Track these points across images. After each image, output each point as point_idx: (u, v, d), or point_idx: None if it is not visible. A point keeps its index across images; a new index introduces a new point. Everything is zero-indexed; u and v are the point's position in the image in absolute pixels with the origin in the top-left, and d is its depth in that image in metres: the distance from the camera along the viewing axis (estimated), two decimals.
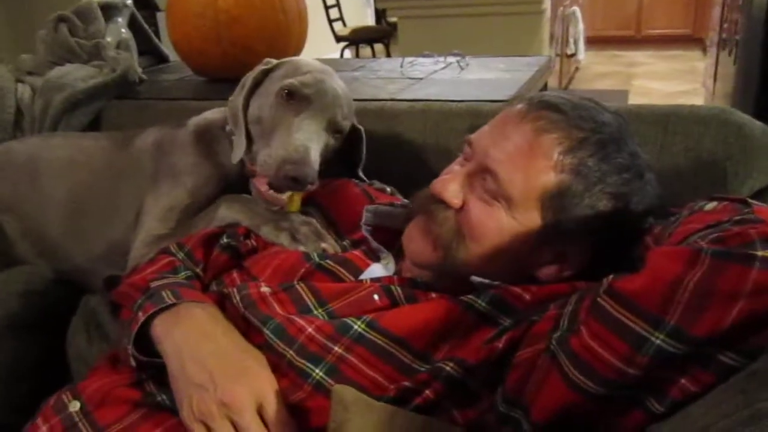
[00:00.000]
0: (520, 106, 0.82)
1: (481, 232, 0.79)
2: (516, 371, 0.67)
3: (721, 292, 0.54)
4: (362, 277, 0.86)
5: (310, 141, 0.96)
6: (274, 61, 1.09)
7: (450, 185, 0.81)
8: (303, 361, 0.72)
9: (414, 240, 0.84)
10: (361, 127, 1.12)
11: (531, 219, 0.77)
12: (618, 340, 0.58)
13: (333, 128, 1.02)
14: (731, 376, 0.56)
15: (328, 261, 0.89)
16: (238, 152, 1.04)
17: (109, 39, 1.68)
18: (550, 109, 0.79)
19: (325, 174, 1.02)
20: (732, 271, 0.54)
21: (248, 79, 1.08)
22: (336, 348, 0.72)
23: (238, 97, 1.08)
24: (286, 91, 1.00)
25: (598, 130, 0.78)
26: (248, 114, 1.06)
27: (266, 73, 1.07)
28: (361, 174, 1.13)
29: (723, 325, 0.54)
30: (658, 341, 0.56)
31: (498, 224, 0.78)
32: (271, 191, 0.98)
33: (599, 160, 0.77)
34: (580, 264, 0.80)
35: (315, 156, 0.96)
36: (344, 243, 0.99)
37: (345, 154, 1.11)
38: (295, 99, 0.99)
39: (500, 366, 0.68)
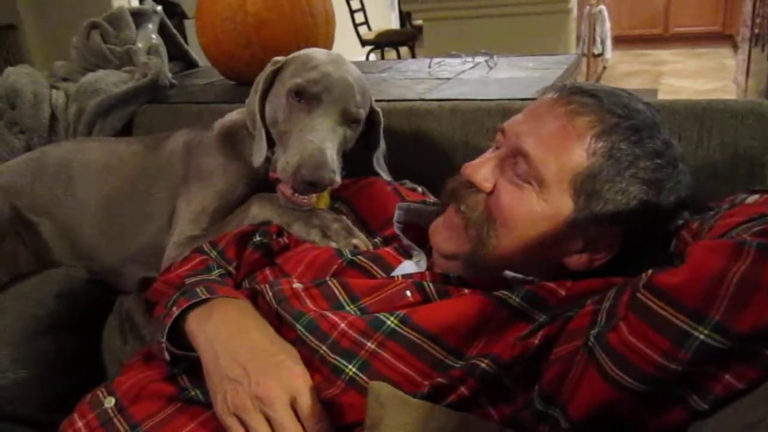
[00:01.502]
0: (552, 93, 0.82)
1: (512, 215, 0.78)
2: (553, 368, 0.66)
3: (767, 286, 0.52)
4: (394, 273, 0.86)
5: (324, 141, 0.96)
6: (282, 59, 1.08)
7: (481, 169, 0.82)
8: (336, 357, 0.72)
9: (442, 231, 0.85)
10: (378, 110, 1.11)
11: (562, 202, 0.77)
12: (659, 335, 0.57)
13: (348, 119, 1.01)
14: None
15: (359, 257, 0.89)
16: (260, 155, 1.04)
17: (140, 45, 1.70)
18: (584, 94, 0.79)
19: (347, 161, 1.01)
20: None
21: (260, 80, 1.07)
22: (369, 344, 0.72)
23: (253, 99, 1.07)
24: (294, 91, 0.99)
25: (631, 116, 0.78)
26: (266, 117, 1.06)
27: (276, 73, 1.07)
28: (375, 160, 1.11)
29: None
30: (701, 336, 0.55)
31: (529, 207, 0.78)
32: (296, 194, 0.98)
33: (632, 144, 0.76)
34: (611, 253, 0.79)
35: (331, 155, 0.95)
36: (375, 240, 0.98)
37: (363, 137, 1.09)
38: (305, 98, 0.98)
39: (536, 362, 0.67)
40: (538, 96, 0.85)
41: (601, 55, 5.00)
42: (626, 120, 0.77)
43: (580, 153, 0.76)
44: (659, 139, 0.78)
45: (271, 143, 1.06)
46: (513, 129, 0.82)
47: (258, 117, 1.05)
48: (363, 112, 1.04)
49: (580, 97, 0.79)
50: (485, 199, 0.81)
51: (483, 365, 0.67)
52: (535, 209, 0.78)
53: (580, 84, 0.82)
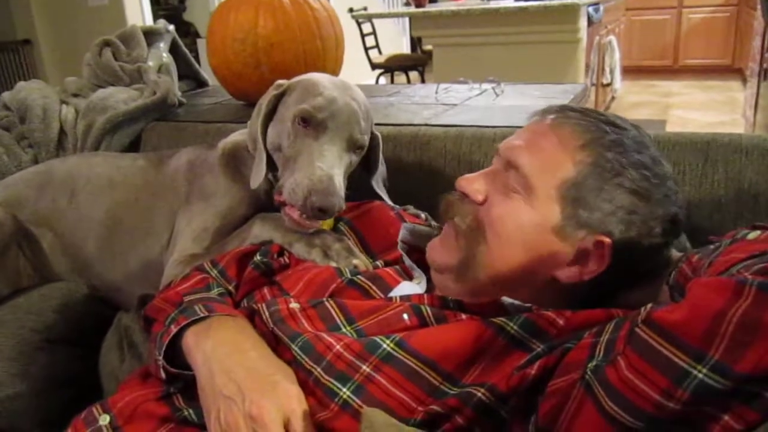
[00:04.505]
0: (543, 112, 0.86)
1: (501, 222, 0.80)
2: (549, 400, 0.65)
3: (767, 327, 0.52)
4: (391, 294, 0.86)
5: (332, 167, 0.96)
6: (285, 83, 1.08)
7: (474, 181, 0.84)
8: (330, 379, 0.71)
9: (436, 245, 0.87)
10: (378, 133, 1.12)
11: (550, 210, 0.78)
12: (657, 373, 0.56)
13: (353, 145, 1.02)
14: None
15: (359, 277, 0.89)
16: (258, 177, 1.05)
17: (150, 63, 1.72)
18: (570, 109, 0.83)
19: (349, 185, 1.02)
20: None
21: (263, 104, 1.07)
22: (364, 367, 0.71)
23: (255, 122, 1.08)
24: (300, 117, 0.99)
25: (617, 132, 0.80)
26: (268, 141, 1.06)
27: (279, 97, 1.07)
28: (374, 182, 1.12)
29: None
30: (700, 375, 0.54)
31: (517, 214, 0.79)
32: (304, 217, 0.98)
33: (618, 155, 0.78)
34: (602, 267, 0.78)
35: (340, 182, 0.96)
36: (377, 263, 0.98)
37: (362, 160, 1.09)
38: (311, 124, 0.99)
39: (533, 394, 0.66)
40: (532, 116, 0.89)
41: (609, 85, 5.02)
42: (611, 134, 0.80)
43: (567, 162, 0.79)
44: (646, 154, 0.80)
45: (270, 166, 1.06)
46: (506, 146, 0.85)
47: (260, 140, 1.06)
48: (366, 138, 1.05)
49: (566, 111, 0.83)
50: (477, 209, 0.83)
51: (479, 394, 0.67)
52: (523, 217, 0.79)
53: (566, 104, 0.86)
